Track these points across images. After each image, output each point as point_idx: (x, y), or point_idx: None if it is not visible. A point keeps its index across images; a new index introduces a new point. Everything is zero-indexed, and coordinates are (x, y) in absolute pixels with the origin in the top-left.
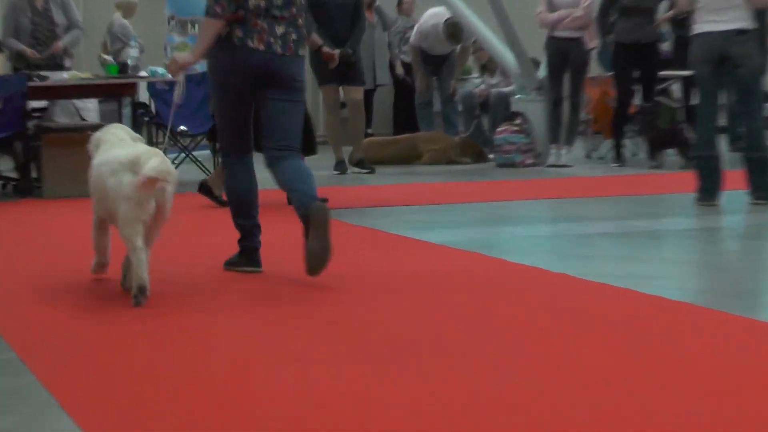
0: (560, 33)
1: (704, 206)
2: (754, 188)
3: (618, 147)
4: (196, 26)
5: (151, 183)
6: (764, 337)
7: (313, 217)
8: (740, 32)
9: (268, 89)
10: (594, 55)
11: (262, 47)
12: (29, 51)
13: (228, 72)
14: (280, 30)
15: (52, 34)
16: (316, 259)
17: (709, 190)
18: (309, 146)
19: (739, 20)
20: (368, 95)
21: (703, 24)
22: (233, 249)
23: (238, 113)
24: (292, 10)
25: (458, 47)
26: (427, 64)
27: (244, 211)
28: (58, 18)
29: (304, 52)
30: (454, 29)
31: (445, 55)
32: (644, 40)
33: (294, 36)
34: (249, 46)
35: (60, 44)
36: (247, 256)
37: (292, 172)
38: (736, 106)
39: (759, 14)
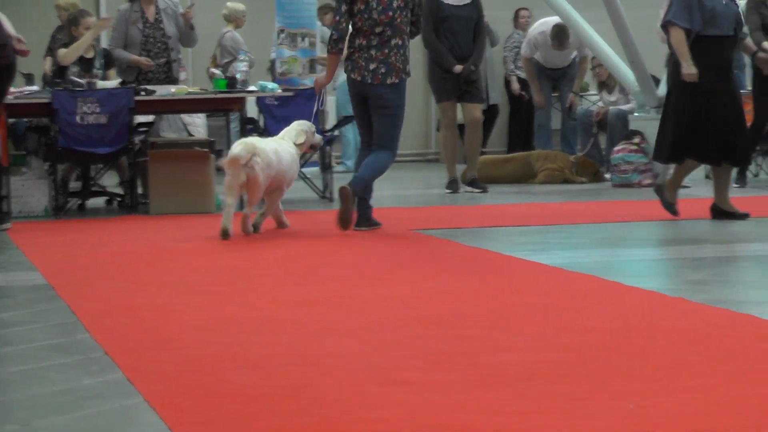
0: None
1: None
2: None
3: (744, 168)
4: (306, 39)
5: (234, 161)
6: None
7: (340, 192)
8: None
9: (369, 105)
10: None
11: (359, 78)
12: (143, 59)
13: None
14: (372, 66)
15: (164, 46)
16: (341, 220)
17: None
18: None
19: None
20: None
21: None
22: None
23: (360, 119)
24: (384, 52)
25: (576, 58)
26: (543, 78)
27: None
28: (170, 29)
29: (392, 80)
30: (558, 30)
31: (562, 69)
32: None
33: (383, 70)
34: (352, 77)
35: (191, 13)
36: None
37: (368, 161)
38: None
39: None
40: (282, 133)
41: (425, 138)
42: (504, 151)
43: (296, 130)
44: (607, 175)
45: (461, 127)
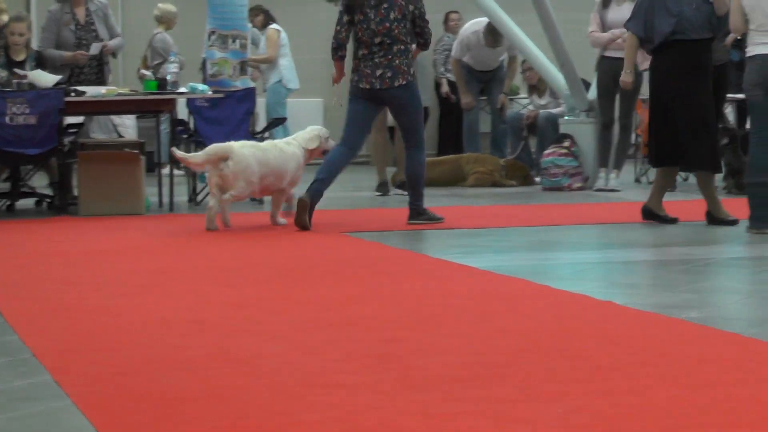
0: (612, 53)
1: (757, 234)
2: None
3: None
4: (237, 41)
5: (207, 161)
6: None
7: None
8: None
9: (390, 111)
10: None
11: (368, 86)
12: (78, 53)
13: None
14: (379, 72)
15: None
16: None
17: (762, 218)
18: None
19: None
20: None
21: (756, 46)
22: (275, 272)
23: (355, 118)
24: (388, 57)
25: (506, 59)
26: (472, 81)
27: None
28: (102, 32)
29: (400, 82)
30: (493, 26)
31: (492, 71)
32: (715, 62)
33: (389, 74)
34: (361, 87)
35: (109, 45)
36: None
37: (407, 165)
38: None
39: None
40: (295, 135)
41: None
42: (434, 154)
43: (310, 135)
44: (537, 179)
45: (392, 130)
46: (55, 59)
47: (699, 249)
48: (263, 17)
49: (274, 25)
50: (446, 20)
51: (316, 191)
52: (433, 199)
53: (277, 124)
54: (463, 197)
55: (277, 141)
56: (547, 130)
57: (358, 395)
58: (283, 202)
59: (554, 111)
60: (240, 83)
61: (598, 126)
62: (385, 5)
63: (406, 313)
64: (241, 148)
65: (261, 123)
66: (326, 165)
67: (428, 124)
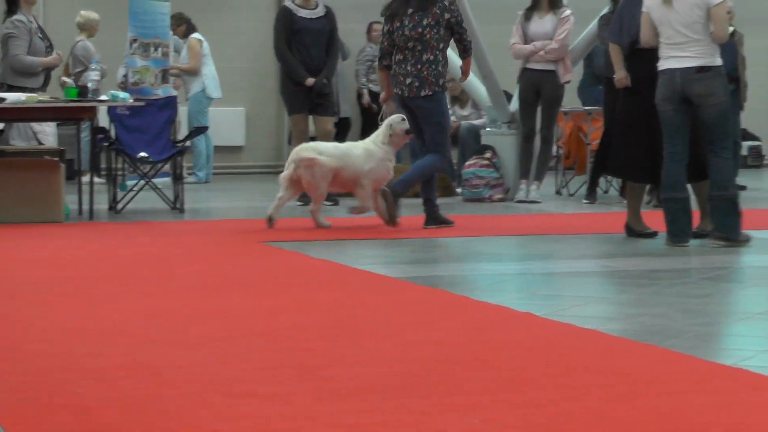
0: (534, 65)
1: (674, 247)
2: (714, 228)
3: (595, 184)
4: (159, 49)
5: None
6: (729, 381)
7: (381, 193)
8: (701, 69)
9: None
10: (569, 88)
11: (399, 92)
12: (53, 56)
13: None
14: (408, 80)
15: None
16: (387, 218)
17: (678, 233)
18: None
19: (700, 57)
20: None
21: (666, 60)
22: (195, 281)
23: (411, 127)
24: (417, 66)
25: None
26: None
27: None
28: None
29: (426, 92)
30: None
31: None
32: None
33: (417, 83)
34: (395, 91)
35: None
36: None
37: (416, 164)
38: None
39: (728, 48)
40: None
41: (277, 150)
42: None
43: (381, 130)
44: (459, 190)
45: (313, 140)
46: (35, 65)
47: (618, 261)
48: (185, 27)
49: (195, 35)
50: (369, 30)
51: (432, 209)
52: None
53: (198, 132)
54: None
55: (364, 141)
56: (468, 142)
57: (272, 405)
58: (366, 199)
59: (476, 122)
60: (161, 91)
61: (520, 138)
62: (420, 12)
63: (323, 324)
64: (320, 154)
65: (183, 131)
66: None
67: (350, 135)
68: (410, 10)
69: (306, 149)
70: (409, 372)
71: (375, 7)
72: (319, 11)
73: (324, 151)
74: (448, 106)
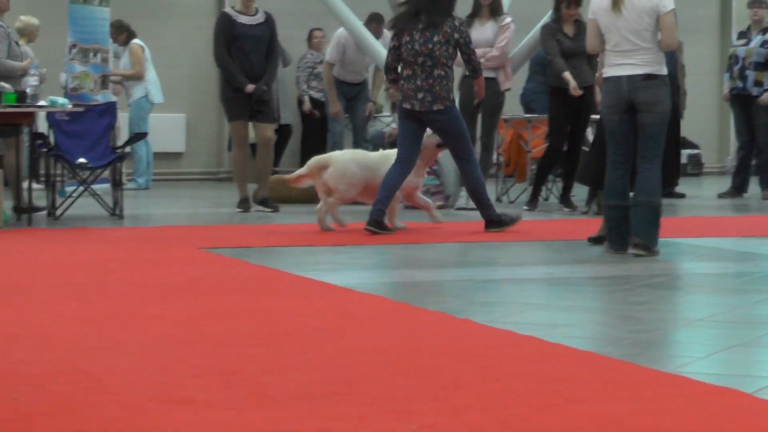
0: None
1: (613, 254)
2: (635, 236)
3: (537, 191)
4: (99, 55)
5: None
6: (667, 388)
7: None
8: (648, 77)
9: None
10: (511, 95)
11: (409, 107)
12: (28, 60)
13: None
14: (420, 95)
15: None
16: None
17: (618, 240)
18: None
19: (647, 64)
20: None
21: (612, 68)
22: (126, 287)
23: (402, 137)
24: (429, 81)
25: (367, 78)
26: (339, 97)
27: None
28: None
29: (439, 106)
30: (377, 14)
31: (358, 86)
32: (581, 84)
33: (429, 98)
34: (404, 107)
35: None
36: None
37: (467, 188)
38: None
39: (668, 57)
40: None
41: (217, 157)
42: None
43: None
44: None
45: (253, 147)
46: (15, 69)
47: (558, 268)
48: (126, 35)
49: (137, 41)
50: (310, 37)
51: (378, 212)
52: (294, 216)
53: (138, 138)
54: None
55: (389, 150)
56: None
57: (209, 412)
58: (395, 206)
59: None
60: (101, 97)
61: None
62: (431, 29)
63: (261, 330)
64: (341, 155)
65: (123, 137)
66: (383, 185)
67: (291, 142)
68: (420, 26)
69: (340, 155)
70: (347, 378)
71: (315, 14)
72: (259, 17)
73: (359, 160)
74: (389, 113)
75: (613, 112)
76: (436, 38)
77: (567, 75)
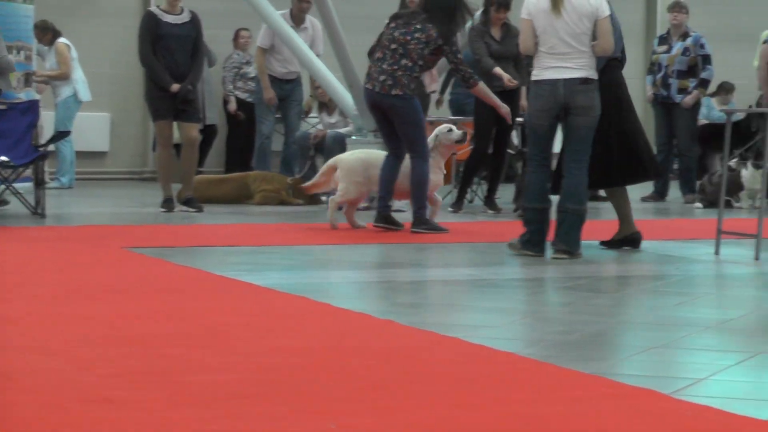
0: None
1: (531, 257)
2: (558, 241)
3: (463, 193)
4: (22, 53)
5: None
6: (589, 389)
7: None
8: (585, 81)
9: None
10: (434, 98)
11: (370, 87)
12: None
13: None
14: (382, 77)
15: None
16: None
17: (537, 242)
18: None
19: (582, 68)
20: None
21: (545, 70)
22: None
23: (380, 129)
24: (393, 68)
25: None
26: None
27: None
28: None
29: (397, 91)
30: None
31: (290, 84)
32: (508, 86)
33: (390, 81)
34: (366, 86)
35: None
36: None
37: (411, 181)
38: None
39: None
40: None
41: (142, 156)
42: (221, 171)
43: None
44: (324, 198)
45: (178, 146)
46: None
47: (482, 270)
48: (51, 35)
49: (62, 40)
50: (236, 37)
51: (384, 208)
52: (218, 216)
53: (61, 137)
54: (248, 215)
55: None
56: (334, 150)
57: (129, 412)
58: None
59: (342, 131)
60: (24, 95)
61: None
62: (419, 26)
63: (183, 330)
64: (348, 155)
65: (46, 136)
66: (380, 181)
67: (216, 142)
68: (413, 21)
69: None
70: (267, 379)
71: (241, 14)
72: (185, 17)
73: (366, 159)
74: (316, 114)
75: (544, 116)
76: (417, 35)
77: (497, 70)
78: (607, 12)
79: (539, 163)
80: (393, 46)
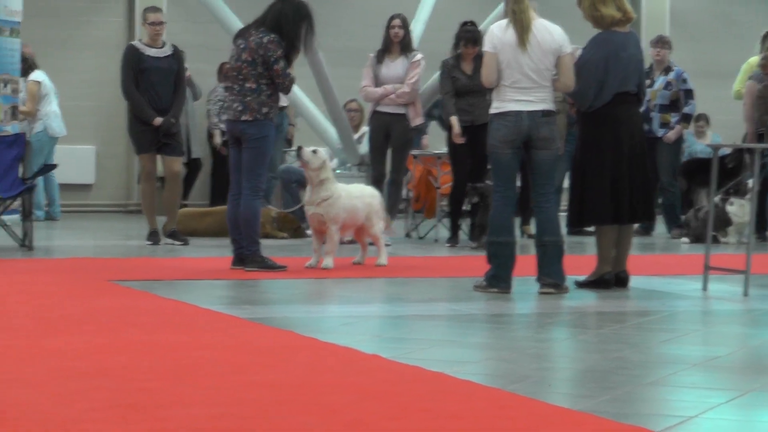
0: (384, 108)
1: (497, 294)
2: (543, 275)
3: (456, 227)
4: (8, 86)
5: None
6: (575, 426)
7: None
8: (546, 113)
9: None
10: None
11: (225, 117)
12: None
13: None
14: (234, 105)
15: None
16: None
17: (504, 277)
18: None
19: (543, 101)
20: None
21: (508, 103)
22: None
23: (233, 159)
24: (242, 93)
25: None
26: None
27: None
28: None
29: (247, 117)
30: None
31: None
32: (477, 121)
33: (240, 108)
34: (225, 117)
35: None
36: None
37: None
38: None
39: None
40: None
41: (126, 189)
42: (206, 204)
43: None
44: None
45: (162, 180)
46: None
47: (466, 305)
48: (26, 66)
49: (34, 76)
50: (220, 70)
51: (236, 249)
52: (203, 250)
53: (48, 170)
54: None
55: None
56: None
57: None
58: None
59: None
60: (11, 128)
61: (369, 180)
62: (243, 45)
63: (162, 364)
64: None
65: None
66: (227, 222)
67: (201, 175)
68: (239, 41)
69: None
70: (244, 414)
71: (225, 47)
72: (167, 50)
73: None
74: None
75: (507, 147)
76: (243, 56)
77: (453, 120)
78: (569, 49)
79: (503, 195)
80: (234, 73)
